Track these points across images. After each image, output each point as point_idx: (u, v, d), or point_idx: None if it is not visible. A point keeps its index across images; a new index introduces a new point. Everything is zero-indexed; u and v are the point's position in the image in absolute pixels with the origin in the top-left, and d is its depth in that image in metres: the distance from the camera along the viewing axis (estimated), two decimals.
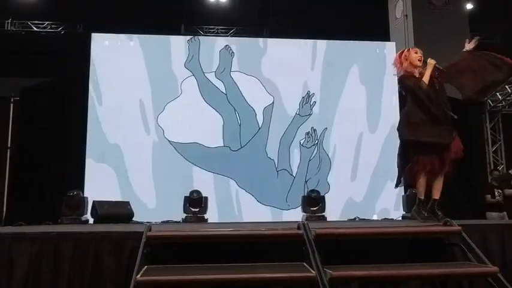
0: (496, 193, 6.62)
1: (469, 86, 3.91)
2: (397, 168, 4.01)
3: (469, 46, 4.02)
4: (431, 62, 3.86)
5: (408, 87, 3.86)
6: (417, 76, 3.87)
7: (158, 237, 2.80)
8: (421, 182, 3.80)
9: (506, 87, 7.60)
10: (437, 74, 3.87)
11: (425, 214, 3.73)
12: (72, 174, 6.80)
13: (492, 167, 7.93)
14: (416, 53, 3.96)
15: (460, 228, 2.90)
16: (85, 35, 8.15)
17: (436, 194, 3.80)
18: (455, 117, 3.78)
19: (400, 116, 4.11)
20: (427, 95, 3.75)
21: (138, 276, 2.42)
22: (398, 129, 3.94)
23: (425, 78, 3.80)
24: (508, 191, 6.48)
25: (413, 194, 4.80)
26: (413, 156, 3.73)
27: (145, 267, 2.59)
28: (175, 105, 7.25)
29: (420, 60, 3.90)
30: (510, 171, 6.78)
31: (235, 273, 2.52)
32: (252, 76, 7.49)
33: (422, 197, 3.83)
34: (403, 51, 4.04)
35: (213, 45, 7.59)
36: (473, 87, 3.92)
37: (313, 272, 2.48)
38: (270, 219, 6.97)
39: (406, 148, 3.83)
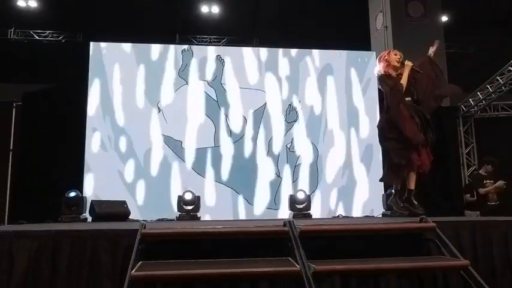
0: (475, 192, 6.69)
1: (430, 96, 4.01)
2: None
3: (432, 50, 4.13)
4: (408, 63, 3.98)
5: (387, 86, 3.94)
6: (395, 76, 3.97)
7: (152, 234, 2.79)
8: (400, 175, 3.89)
9: (478, 93, 7.68)
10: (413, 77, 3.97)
11: (401, 204, 3.80)
12: (72, 175, 6.75)
13: (465, 168, 8.01)
14: (395, 54, 4.07)
15: (434, 224, 2.93)
16: (84, 43, 8.11)
17: (412, 185, 3.88)
18: (428, 116, 3.88)
19: (382, 113, 4.18)
20: (403, 97, 3.84)
21: (133, 271, 2.41)
22: (380, 122, 4.01)
23: (403, 80, 3.90)
24: (482, 190, 6.54)
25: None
26: (397, 152, 3.78)
27: (140, 262, 2.58)
28: (170, 111, 7.24)
29: (398, 61, 4.01)
30: (480, 171, 6.84)
31: (224, 268, 2.52)
32: (242, 83, 7.50)
33: (398, 188, 3.91)
34: (383, 54, 4.15)
35: (206, 54, 7.60)
36: (433, 97, 4.02)
37: (298, 266, 2.49)
38: (259, 218, 6.98)
39: (388, 144, 3.89)
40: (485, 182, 6.59)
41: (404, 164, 3.76)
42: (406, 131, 3.71)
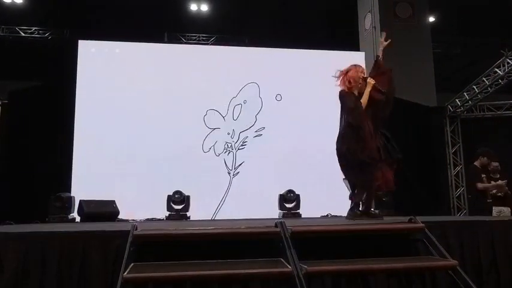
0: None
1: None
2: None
3: (383, 39, 4.07)
4: (370, 81, 3.86)
5: (347, 107, 3.88)
6: (356, 94, 3.90)
7: (144, 236, 2.77)
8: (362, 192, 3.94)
9: (465, 94, 7.80)
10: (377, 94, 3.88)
11: (359, 213, 3.85)
12: (60, 174, 6.69)
13: (452, 168, 8.12)
14: (361, 72, 3.97)
15: (423, 225, 2.97)
16: (72, 40, 8.01)
17: (371, 205, 3.93)
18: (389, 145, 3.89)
19: (340, 130, 4.15)
20: (364, 117, 3.79)
21: (125, 273, 2.40)
22: (338, 142, 3.99)
23: (364, 99, 3.84)
24: (480, 185, 6.00)
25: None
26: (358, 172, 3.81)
27: (132, 264, 2.56)
28: (159, 110, 7.21)
29: (363, 75, 3.92)
30: (475, 164, 6.36)
31: (216, 269, 2.52)
32: (233, 81, 7.50)
33: (360, 201, 3.95)
34: (348, 71, 4.01)
35: (195, 52, 7.57)
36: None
37: (289, 267, 2.50)
38: (249, 216, 6.99)
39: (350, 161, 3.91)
40: (482, 176, 6.06)
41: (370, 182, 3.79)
42: (364, 152, 3.71)
